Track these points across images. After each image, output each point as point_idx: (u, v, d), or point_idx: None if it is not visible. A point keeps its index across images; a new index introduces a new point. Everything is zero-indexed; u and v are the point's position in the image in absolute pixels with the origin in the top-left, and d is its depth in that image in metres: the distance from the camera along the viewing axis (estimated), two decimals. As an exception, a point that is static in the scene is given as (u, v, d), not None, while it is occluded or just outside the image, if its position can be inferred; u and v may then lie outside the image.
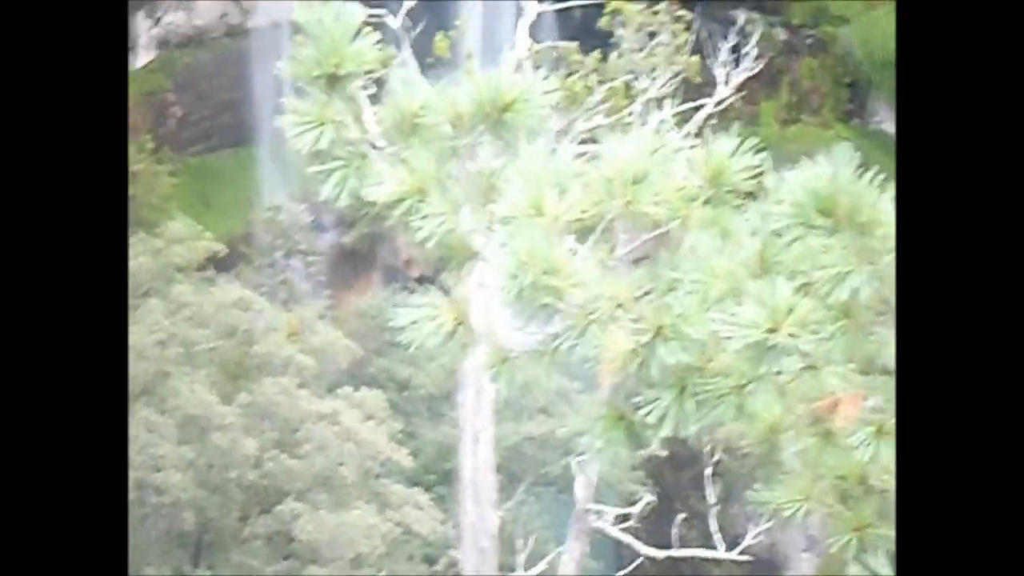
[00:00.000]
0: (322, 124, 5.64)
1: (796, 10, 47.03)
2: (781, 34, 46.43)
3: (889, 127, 45.16)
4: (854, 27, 46.34)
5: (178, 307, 30.45)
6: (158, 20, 43.97)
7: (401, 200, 5.58)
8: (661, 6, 17.44)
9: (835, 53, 47.33)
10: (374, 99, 5.73)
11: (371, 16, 6.32)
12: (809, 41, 47.53)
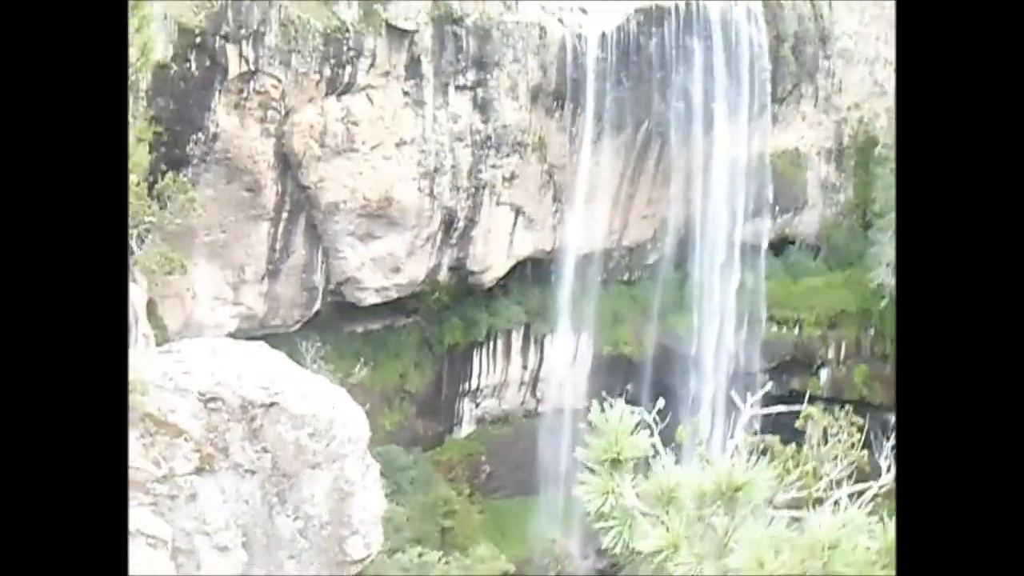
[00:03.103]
0: (607, 494, 8.02)
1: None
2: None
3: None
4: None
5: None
6: (478, 404, 66.38)
7: (659, 551, 7.77)
8: (839, 413, 23.71)
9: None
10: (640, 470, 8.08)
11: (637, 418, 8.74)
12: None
